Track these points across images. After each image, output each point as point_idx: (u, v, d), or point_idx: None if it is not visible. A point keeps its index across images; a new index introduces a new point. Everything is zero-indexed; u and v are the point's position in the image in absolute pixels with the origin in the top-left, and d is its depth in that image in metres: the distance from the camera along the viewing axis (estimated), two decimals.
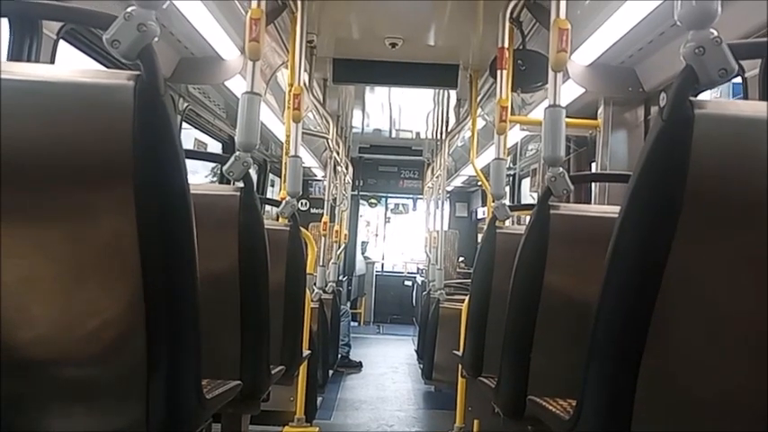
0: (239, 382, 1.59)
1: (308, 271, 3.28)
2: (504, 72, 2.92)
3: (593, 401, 1.14)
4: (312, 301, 3.93)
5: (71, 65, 2.51)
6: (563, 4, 1.90)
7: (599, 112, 3.45)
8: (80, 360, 1.15)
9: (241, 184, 1.79)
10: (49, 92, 1.04)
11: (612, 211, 1.64)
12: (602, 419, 1.13)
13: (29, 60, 2.11)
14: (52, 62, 2.23)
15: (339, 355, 6.13)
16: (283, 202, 2.50)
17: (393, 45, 4.12)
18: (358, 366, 6.50)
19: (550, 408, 1.50)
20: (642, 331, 1.03)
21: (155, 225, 1.06)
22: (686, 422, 1.09)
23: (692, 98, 0.99)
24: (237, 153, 1.82)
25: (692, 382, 1.09)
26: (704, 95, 1.03)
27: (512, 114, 3.17)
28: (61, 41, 2.28)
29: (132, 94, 1.01)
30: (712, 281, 1.03)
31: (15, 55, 2.07)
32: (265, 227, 1.82)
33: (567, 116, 1.86)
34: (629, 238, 1.05)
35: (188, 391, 1.17)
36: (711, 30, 0.98)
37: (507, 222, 2.53)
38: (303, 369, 3.40)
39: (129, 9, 1.02)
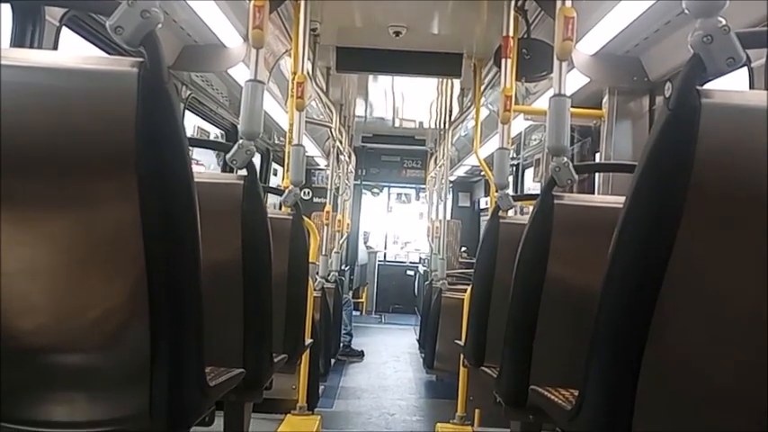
0: (242, 370, 1.60)
1: (310, 260, 3.28)
2: (509, 61, 2.91)
3: (594, 391, 1.14)
4: (314, 290, 3.94)
5: (74, 51, 2.50)
6: None
7: (603, 101, 3.43)
8: (84, 348, 1.15)
9: (244, 173, 1.79)
10: (53, 78, 1.03)
11: (616, 201, 1.63)
12: (604, 410, 1.13)
13: (31, 47, 2.10)
14: (55, 49, 2.22)
15: (341, 344, 6.15)
16: (286, 190, 2.49)
17: (397, 33, 4.10)
18: (360, 355, 6.53)
19: (552, 397, 1.50)
20: (645, 322, 1.03)
21: (158, 213, 1.05)
22: (687, 413, 1.09)
23: (698, 87, 0.98)
24: (241, 141, 1.81)
25: (694, 373, 1.08)
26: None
27: (516, 104, 3.15)
28: (64, 28, 2.27)
29: (136, 81, 1.01)
30: (716, 273, 1.03)
31: (18, 41, 2.07)
32: (268, 216, 1.82)
33: (572, 106, 1.85)
34: (633, 229, 1.05)
35: (191, 379, 1.17)
36: (719, 18, 0.97)
37: (510, 212, 2.52)
38: (305, 358, 3.41)
39: None
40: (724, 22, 0.97)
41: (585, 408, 1.16)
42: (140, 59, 1.02)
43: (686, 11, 1.00)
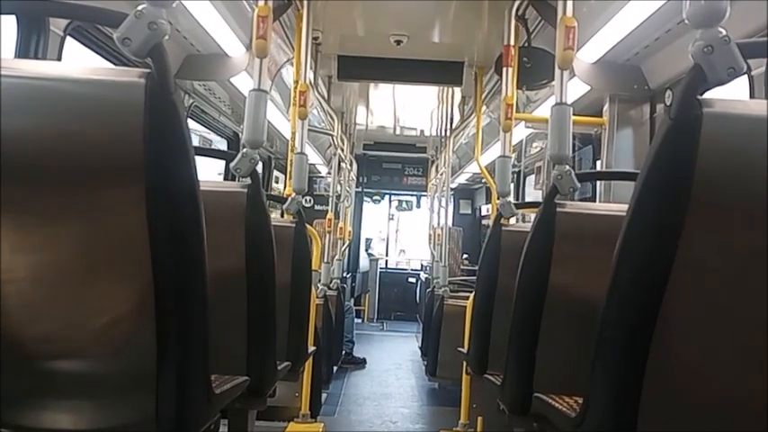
0: (246, 377, 1.60)
1: (312, 268, 3.29)
2: (510, 69, 2.92)
3: (599, 399, 1.14)
4: (317, 297, 3.94)
5: (78, 61, 2.52)
6: (569, 2, 1.90)
7: (604, 109, 3.45)
8: (90, 355, 1.16)
9: (248, 181, 1.80)
10: (61, 89, 1.04)
11: (618, 209, 1.64)
12: (609, 417, 1.13)
13: (36, 57, 2.11)
14: (59, 59, 2.23)
15: (343, 352, 6.14)
16: (289, 198, 2.50)
17: (398, 42, 4.12)
18: (362, 363, 6.51)
19: (556, 405, 1.50)
20: (649, 329, 1.04)
21: (165, 222, 1.06)
22: (693, 420, 1.10)
23: (699, 97, 0.99)
24: (244, 150, 1.82)
25: (699, 380, 1.09)
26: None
27: (517, 112, 3.17)
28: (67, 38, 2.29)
29: (143, 92, 1.02)
30: (720, 280, 1.04)
31: (22, 52, 2.08)
32: (272, 223, 1.83)
33: (573, 114, 1.86)
34: (636, 237, 1.06)
35: (197, 387, 1.18)
36: (720, 28, 0.98)
37: (512, 220, 2.53)
38: (308, 365, 3.42)
39: (140, 7, 1.03)
40: (725, 33, 0.98)
41: (590, 415, 1.16)
42: (147, 70, 1.04)
43: (687, 21, 1.01)
